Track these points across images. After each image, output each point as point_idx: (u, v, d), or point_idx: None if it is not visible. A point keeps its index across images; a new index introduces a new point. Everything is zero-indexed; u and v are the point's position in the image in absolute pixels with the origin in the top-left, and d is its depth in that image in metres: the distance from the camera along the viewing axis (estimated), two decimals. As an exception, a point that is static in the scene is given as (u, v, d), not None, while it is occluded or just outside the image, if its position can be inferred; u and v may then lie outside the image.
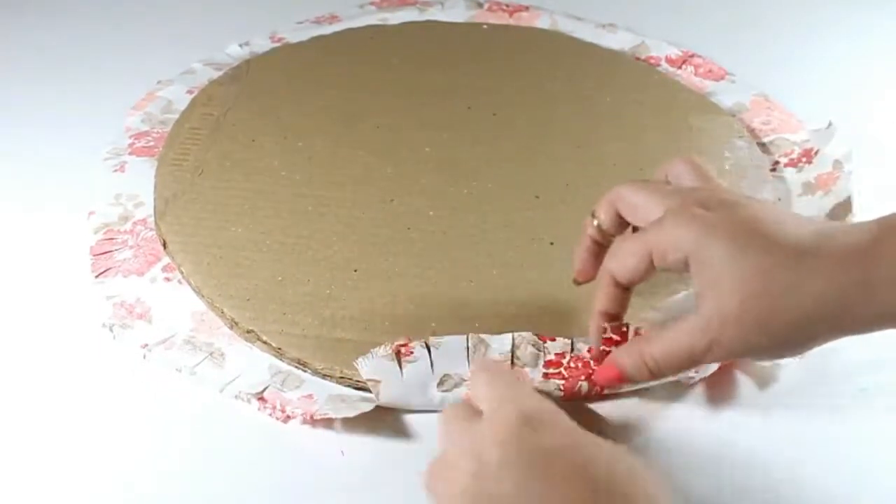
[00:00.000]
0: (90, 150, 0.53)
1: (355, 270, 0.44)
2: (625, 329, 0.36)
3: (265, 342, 0.41)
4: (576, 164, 0.52)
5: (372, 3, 0.72)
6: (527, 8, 0.71)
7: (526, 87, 0.60)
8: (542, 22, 0.69)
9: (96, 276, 0.45)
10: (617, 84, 0.60)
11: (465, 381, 0.38)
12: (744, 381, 0.40)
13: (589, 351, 0.38)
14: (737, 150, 0.53)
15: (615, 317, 0.35)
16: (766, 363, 0.40)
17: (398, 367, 0.38)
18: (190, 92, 0.59)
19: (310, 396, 0.38)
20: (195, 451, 0.37)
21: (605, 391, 0.38)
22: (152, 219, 0.48)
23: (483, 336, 0.39)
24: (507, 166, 0.52)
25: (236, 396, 0.39)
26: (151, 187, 0.50)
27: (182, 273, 0.45)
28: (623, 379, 0.33)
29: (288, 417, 0.38)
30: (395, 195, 0.49)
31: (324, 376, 0.40)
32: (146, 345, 0.41)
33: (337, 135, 0.54)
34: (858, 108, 0.58)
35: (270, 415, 0.38)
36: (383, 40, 0.66)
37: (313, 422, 0.37)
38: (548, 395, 0.38)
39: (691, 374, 0.38)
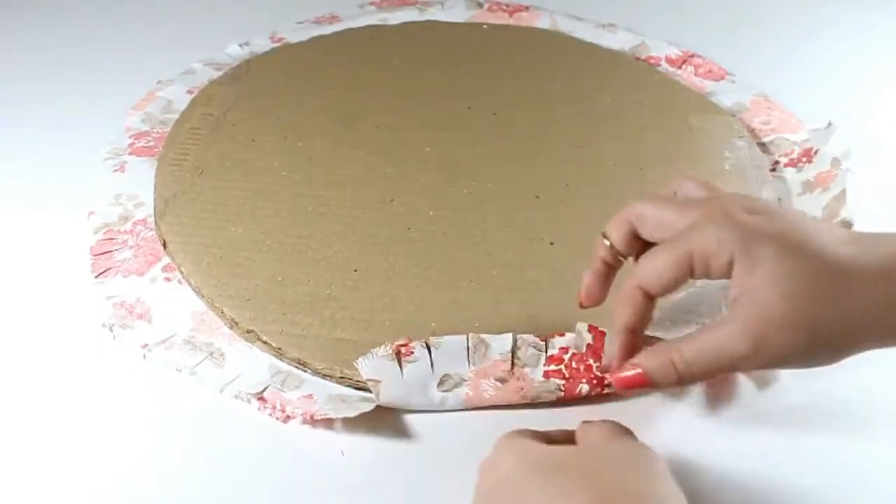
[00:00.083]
0: (90, 150, 0.53)
1: (355, 270, 0.44)
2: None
3: (265, 342, 0.41)
4: (576, 164, 0.52)
5: (372, 3, 0.72)
6: (527, 8, 0.71)
7: (526, 87, 0.60)
8: (542, 22, 0.69)
9: (96, 276, 0.45)
10: (617, 84, 0.60)
11: (465, 381, 0.38)
12: (744, 382, 0.40)
13: (594, 340, 0.38)
14: (737, 150, 0.53)
15: (639, 332, 0.34)
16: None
17: (398, 367, 0.38)
18: (190, 92, 0.59)
19: (310, 396, 0.38)
20: (195, 451, 0.37)
21: (606, 392, 0.38)
22: (152, 219, 0.48)
23: (483, 336, 0.39)
24: (507, 166, 0.52)
25: (236, 396, 0.39)
26: (151, 187, 0.50)
27: (182, 273, 0.45)
28: (646, 383, 0.32)
29: (288, 417, 0.38)
30: (395, 195, 0.49)
31: (324, 376, 0.40)
32: (146, 345, 0.41)
33: (337, 135, 0.54)
34: (858, 108, 0.58)
35: (270, 415, 0.38)
36: (383, 40, 0.66)
37: (313, 422, 0.37)
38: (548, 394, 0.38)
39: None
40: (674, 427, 0.38)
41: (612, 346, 0.34)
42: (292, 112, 0.56)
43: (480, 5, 0.71)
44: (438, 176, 0.51)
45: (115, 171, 0.52)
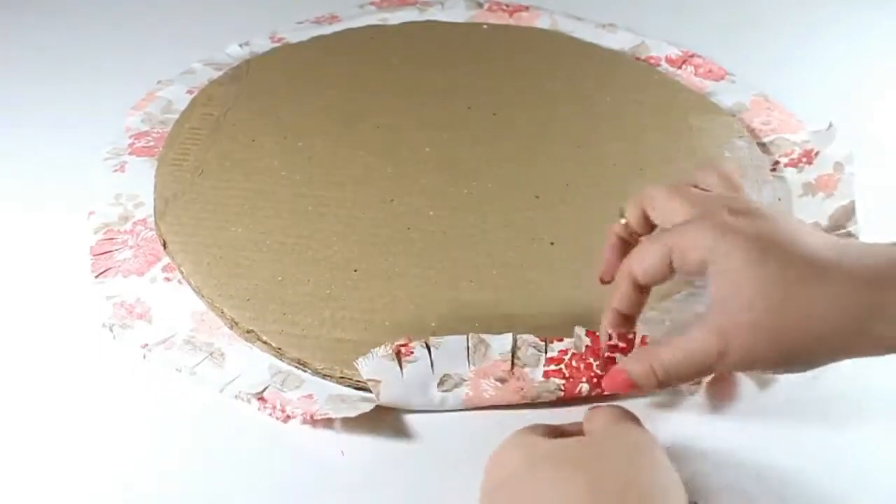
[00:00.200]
0: (90, 150, 0.53)
1: (355, 270, 0.44)
2: (631, 336, 0.36)
3: (265, 342, 0.41)
4: (576, 164, 0.52)
5: (372, 3, 0.72)
6: (527, 8, 0.71)
7: (526, 87, 0.60)
8: (542, 22, 0.69)
9: (96, 276, 0.45)
10: (617, 84, 0.60)
11: (465, 381, 0.38)
12: (744, 382, 0.40)
13: (593, 342, 0.38)
14: (737, 150, 0.53)
15: (628, 318, 0.35)
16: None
17: (398, 367, 0.38)
18: (190, 92, 0.59)
19: (310, 396, 0.38)
20: (195, 451, 0.37)
21: (606, 393, 0.38)
22: (152, 219, 0.48)
23: (483, 336, 0.39)
24: (507, 166, 0.52)
25: (236, 396, 0.39)
26: (151, 187, 0.50)
27: (182, 273, 0.45)
28: (631, 386, 0.33)
29: (288, 417, 0.38)
30: (395, 195, 0.49)
31: (324, 376, 0.40)
32: (146, 345, 0.41)
33: (337, 135, 0.54)
34: (858, 108, 0.58)
35: (270, 415, 0.38)
36: (383, 40, 0.66)
37: (313, 422, 0.37)
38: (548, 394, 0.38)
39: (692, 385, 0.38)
40: (674, 428, 0.38)
41: (603, 324, 0.36)
42: (292, 112, 0.56)
43: (480, 5, 0.71)
44: (438, 176, 0.51)
45: (115, 171, 0.52)
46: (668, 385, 0.32)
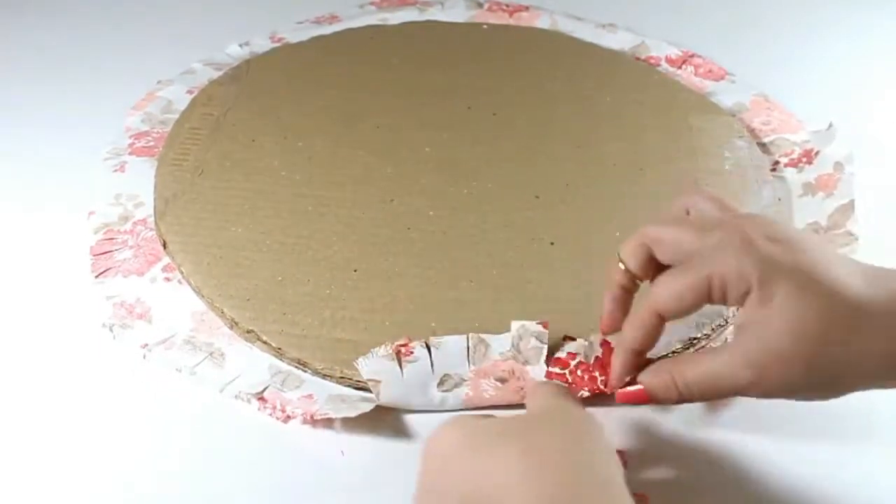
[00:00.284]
0: (90, 150, 0.53)
1: (355, 270, 0.44)
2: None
3: (265, 342, 0.41)
4: (576, 164, 0.52)
5: (372, 3, 0.72)
6: (527, 8, 0.71)
7: (526, 87, 0.60)
8: (542, 22, 0.69)
9: (96, 276, 0.45)
10: (617, 84, 0.60)
11: (465, 381, 0.38)
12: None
13: (603, 355, 0.38)
14: (737, 150, 0.53)
15: (640, 353, 0.34)
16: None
17: (398, 367, 0.38)
18: (190, 92, 0.59)
19: (310, 396, 0.38)
20: (195, 451, 0.37)
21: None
22: (152, 219, 0.48)
23: (483, 336, 0.39)
24: (507, 166, 0.52)
25: (236, 396, 0.39)
26: (151, 187, 0.50)
27: (182, 273, 0.45)
28: (648, 399, 0.33)
29: (288, 417, 0.38)
30: (395, 195, 0.49)
31: (324, 376, 0.40)
32: (146, 345, 0.41)
33: (337, 135, 0.54)
34: (858, 108, 0.58)
35: (270, 415, 0.38)
36: (383, 40, 0.66)
37: (313, 422, 0.37)
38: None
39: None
40: (673, 429, 0.38)
41: (616, 364, 0.34)
42: (292, 112, 0.56)
43: (480, 5, 0.71)
44: (438, 176, 0.51)
45: (115, 171, 0.52)
46: (687, 401, 0.32)
